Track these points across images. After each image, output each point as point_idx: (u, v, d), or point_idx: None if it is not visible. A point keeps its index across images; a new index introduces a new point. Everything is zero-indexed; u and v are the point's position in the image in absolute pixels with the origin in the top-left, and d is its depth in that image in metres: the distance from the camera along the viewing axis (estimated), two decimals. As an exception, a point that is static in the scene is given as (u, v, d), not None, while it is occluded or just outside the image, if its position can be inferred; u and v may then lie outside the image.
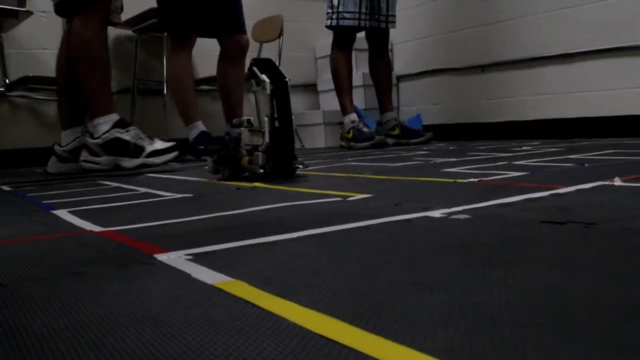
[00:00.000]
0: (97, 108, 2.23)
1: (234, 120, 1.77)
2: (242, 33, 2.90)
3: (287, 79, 1.66)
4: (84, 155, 2.23)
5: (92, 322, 0.48)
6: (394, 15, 3.35)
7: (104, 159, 2.19)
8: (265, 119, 1.62)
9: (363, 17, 3.22)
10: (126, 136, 2.19)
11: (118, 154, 2.16)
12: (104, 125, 2.21)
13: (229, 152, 1.73)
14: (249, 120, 1.72)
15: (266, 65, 1.69)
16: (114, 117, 2.24)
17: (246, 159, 1.68)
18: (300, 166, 1.71)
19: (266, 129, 1.61)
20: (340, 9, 3.21)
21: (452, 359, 0.36)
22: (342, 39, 3.33)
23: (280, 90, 1.64)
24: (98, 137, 2.20)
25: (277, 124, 1.62)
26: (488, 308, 0.45)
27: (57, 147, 2.38)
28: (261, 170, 1.61)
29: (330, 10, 3.26)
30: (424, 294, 0.50)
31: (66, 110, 2.44)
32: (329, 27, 3.30)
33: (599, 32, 2.94)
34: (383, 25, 3.31)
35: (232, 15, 2.86)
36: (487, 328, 0.41)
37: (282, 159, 1.63)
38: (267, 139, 1.61)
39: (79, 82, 2.26)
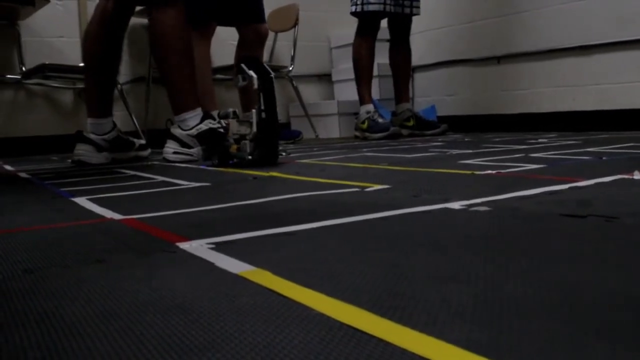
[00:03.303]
0: (186, 102, 2.22)
1: (220, 112, 1.91)
2: (262, 22, 2.89)
3: (272, 75, 1.80)
4: (173, 146, 2.22)
5: (120, 310, 0.48)
6: (418, 1, 3.33)
7: (197, 150, 2.19)
8: (253, 111, 1.77)
9: (388, 1, 3.20)
10: (217, 127, 2.20)
11: (211, 144, 2.13)
12: (194, 119, 2.22)
13: (219, 141, 1.89)
14: (235, 112, 1.88)
15: (253, 63, 1.84)
16: (200, 111, 2.25)
17: (234, 147, 1.83)
18: (283, 154, 1.88)
19: (254, 120, 1.76)
20: None
21: (480, 351, 0.36)
22: (367, 25, 3.31)
23: (267, 85, 1.78)
24: (190, 129, 2.20)
25: (263, 115, 1.76)
26: (512, 301, 0.46)
27: (93, 136, 2.30)
28: (249, 157, 1.77)
29: None
30: (448, 286, 0.50)
31: (99, 96, 2.35)
32: (354, 13, 3.28)
33: (616, 24, 2.91)
34: (407, 10, 3.29)
35: (251, 3, 2.86)
36: (512, 321, 0.41)
37: (268, 147, 1.79)
38: (254, 129, 1.77)
39: (167, 75, 2.25)
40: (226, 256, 0.64)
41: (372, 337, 0.39)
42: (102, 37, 2.28)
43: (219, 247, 0.69)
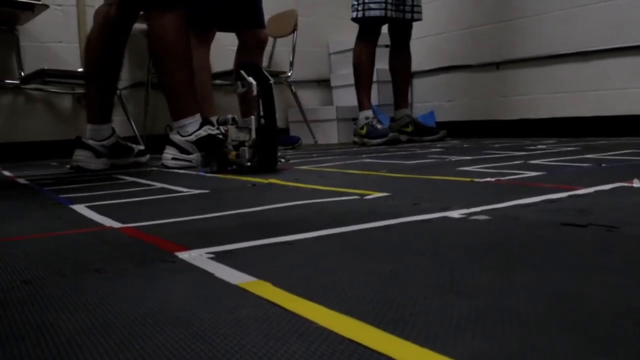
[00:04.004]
0: (185, 108, 2.22)
1: (219, 118, 1.91)
2: (261, 27, 2.89)
3: (271, 82, 1.81)
4: (171, 152, 2.21)
5: (119, 322, 0.48)
6: (420, 6, 3.33)
7: (196, 156, 2.19)
8: (252, 117, 1.77)
9: (389, 7, 3.21)
10: (216, 133, 2.19)
11: (210, 150, 2.11)
12: (193, 125, 2.21)
13: (218, 147, 1.89)
14: (234, 118, 1.87)
15: (252, 69, 1.84)
16: (199, 117, 2.25)
17: (233, 153, 1.83)
18: (282, 160, 1.89)
19: (253, 126, 1.76)
20: (366, 0, 3.20)
21: (483, 365, 0.36)
22: (368, 31, 3.32)
23: (266, 91, 1.79)
24: (189, 135, 2.20)
25: (262, 121, 1.77)
26: (514, 313, 0.45)
27: (91, 142, 2.29)
28: (248, 164, 1.77)
29: (355, 2, 3.25)
30: (450, 297, 0.50)
31: (99, 102, 2.34)
32: (355, 19, 3.29)
33: (615, 30, 2.92)
34: (408, 16, 3.29)
35: (251, 9, 2.86)
36: (515, 334, 0.41)
37: (267, 153, 1.80)
38: (253, 135, 1.77)
39: (165, 81, 2.24)
40: (225, 266, 0.64)
41: (373, 351, 0.39)
42: (103, 43, 2.28)
43: (218, 257, 0.69)
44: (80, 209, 1.17)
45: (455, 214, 0.90)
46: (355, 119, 3.45)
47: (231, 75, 3.09)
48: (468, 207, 0.95)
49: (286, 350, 0.40)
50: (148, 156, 2.49)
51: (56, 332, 0.46)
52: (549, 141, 2.75)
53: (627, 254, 0.63)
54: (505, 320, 0.44)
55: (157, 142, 2.70)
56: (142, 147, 2.51)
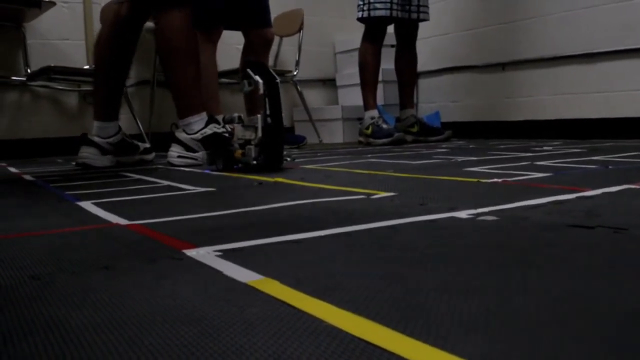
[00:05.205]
0: (191, 106, 2.22)
1: (225, 117, 1.92)
2: (268, 26, 2.89)
3: (278, 80, 1.81)
4: (177, 150, 2.21)
5: (129, 319, 0.48)
6: (426, 6, 3.32)
7: (202, 154, 2.19)
8: (259, 116, 1.78)
9: (395, 7, 3.20)
10: (222, 131, 2.19)
11: (215, 148, 2.12)
12: (199, 123, 2.22)
13: (224, 146, 1.90)
14: (240, 117, 1.87)
15: (259, 68, 1.84)
16: (205, 115, 2.25)
17: (239, 151, 1.83)
18: (288, 159, 1.91)
19: (259, 125, 1.77)
20: (372, 0, 3.20)
21: (494, 366, 0.36)
22: (373, 31, 3.32)
23: (272, 90, 1.79)
24: (195, 133, 2.21)
25: (269, 120, 1.78)
26: (525, 313, 0.45)
27: (97, 139, 2.29)
28: (254, 162, 1.77)
29: (361, 2, 3.25)
30: (459, 297, 0.50)
31: (107, 99, 2.35)
32: (361, 19, 3.29)
33: (621, 32, 2.91)
34: (414, 16, 3.29)
35: (258, 7, 2.86)
36: (525, 335, 0.41)
37: (274, 152, 1.80)
38: (259, 134, 1.77)
39: (172, 78, 2.24)
40: (234, 264, 0.64)
41: (383, 350, 0.39)
42: (112, 41, 2.28)
43: (226, 255, 0.69)
44: (87, 205, 1.17)
45: (463, 214, 0.90)
46: (360, 119, 3.44)
47: (237, 74, 3.09)
48: (475, 208, 0.95)
49: (296, 349, 0.40)
50: (154, 154, 2.49)
51: (65, 329, 0.46)
52: (555, 143, 2.74)
53: (636, 255, 0.63)
54: (514, 320, 0.44)
55: (163, 140, 2.71)
56: (147, 145, 2.52)
